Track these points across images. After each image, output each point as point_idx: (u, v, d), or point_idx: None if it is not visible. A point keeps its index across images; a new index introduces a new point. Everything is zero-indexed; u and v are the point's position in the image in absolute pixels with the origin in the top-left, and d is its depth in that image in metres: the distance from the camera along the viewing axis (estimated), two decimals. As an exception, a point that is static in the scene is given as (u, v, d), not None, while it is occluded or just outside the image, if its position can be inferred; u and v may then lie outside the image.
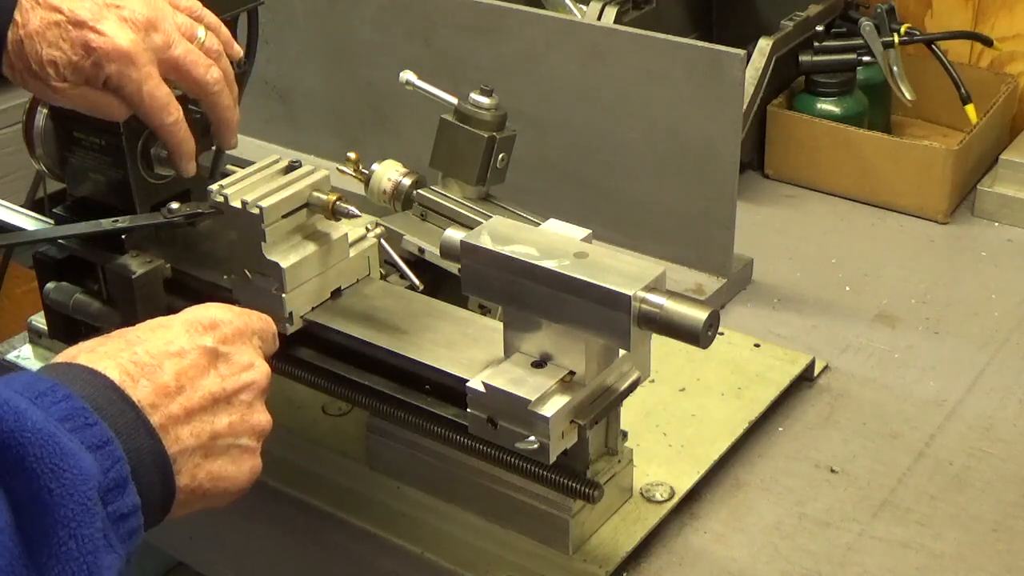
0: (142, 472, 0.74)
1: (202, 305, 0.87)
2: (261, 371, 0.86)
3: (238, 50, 1.11)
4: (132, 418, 0.75)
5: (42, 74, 1.00)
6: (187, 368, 0.81)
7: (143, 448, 0.75)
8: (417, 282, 1.07)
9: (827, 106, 1.63)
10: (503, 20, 1.46)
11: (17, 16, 0.99)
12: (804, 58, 1.64)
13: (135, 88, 1.00)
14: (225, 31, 1.10)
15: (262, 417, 0.86)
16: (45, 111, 1.15)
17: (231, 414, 0.83)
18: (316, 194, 1.04)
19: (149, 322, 0.84)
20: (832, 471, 1.15)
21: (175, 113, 1.03)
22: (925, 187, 1.55)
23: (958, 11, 1.74)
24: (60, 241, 1.16)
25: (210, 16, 1.08)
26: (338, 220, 1.05)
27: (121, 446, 0.73)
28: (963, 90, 1.61)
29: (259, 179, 1.04)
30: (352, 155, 1.20)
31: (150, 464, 0.76)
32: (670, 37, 1.39)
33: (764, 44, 1.61)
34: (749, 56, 1.55)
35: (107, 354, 0.78)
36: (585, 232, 0.96)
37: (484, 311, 1.10)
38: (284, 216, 1.02)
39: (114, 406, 0.75)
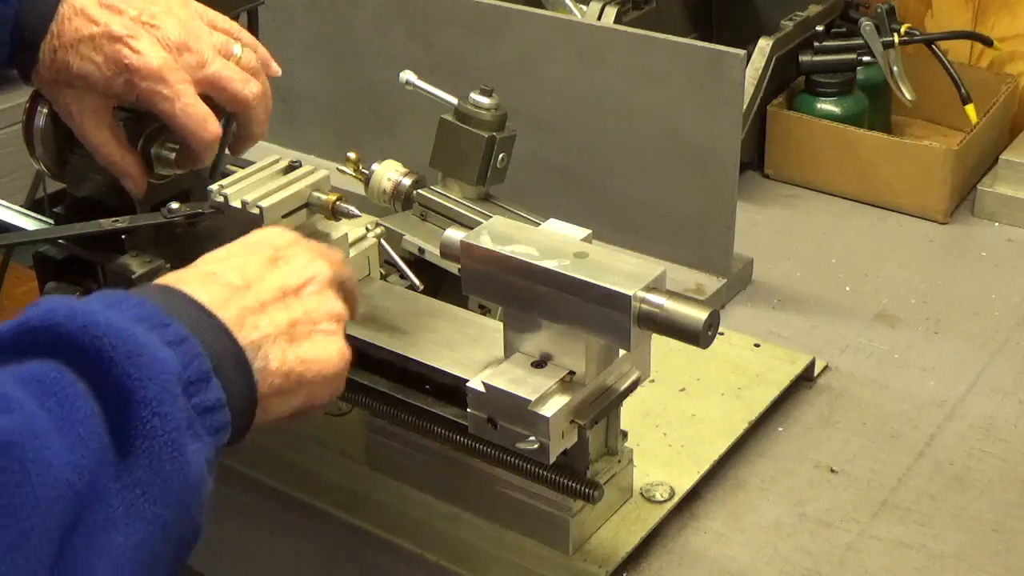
0: (223, 371, 0.75)
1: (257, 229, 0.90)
2: (322, 265, 0.88)
3: (276, 68, 1.11)
4: (208, 323, 0.76)
5: (75, 85, 1.00)
6: (251, 269, 0.83)
7: (222, 348, 0.76)
8: (417, 282, 1.07)
9: (827, 106, 1.63)
10: (503, 20, 1.46)
11: (54, 27, 0.99)
12: (804, 58, 1.64)
13: (168, 106, 1.00)
14: (263, 50, 1.09)
15: (335, 304, 0.87)
16: (45, 111, 1.14)
17: (304, 303, 0.84)
18: (316, 194, 1.04)
19: (208, 254, 0.87)
20: (832, 471, 1.15)
21: (213, 130, 1.03)
22: (925, 187, 1.55)
23: (958, 11, 1.74)
24: (60, 241, 1.16)
25: (247, 36, 1.08)
26: (338, 220, 1.05)
27: (200, 344, 0.74)
28: (963, 90, 1.61)
29: (259, 179, 1.04)
30: (352, 155, 1.20)
31: (230, 365, 0.76)
32: (670, 37, 1.39)
33: (764, 44, 1.61)
34: (749, 56, 1.55)
35: (173, 277, 0.81)
36: (585, 232, 0.96)
37: (484, 311, 1.10)
38: (284, 216, 1.02)
39: (188, 311, 0.76)
